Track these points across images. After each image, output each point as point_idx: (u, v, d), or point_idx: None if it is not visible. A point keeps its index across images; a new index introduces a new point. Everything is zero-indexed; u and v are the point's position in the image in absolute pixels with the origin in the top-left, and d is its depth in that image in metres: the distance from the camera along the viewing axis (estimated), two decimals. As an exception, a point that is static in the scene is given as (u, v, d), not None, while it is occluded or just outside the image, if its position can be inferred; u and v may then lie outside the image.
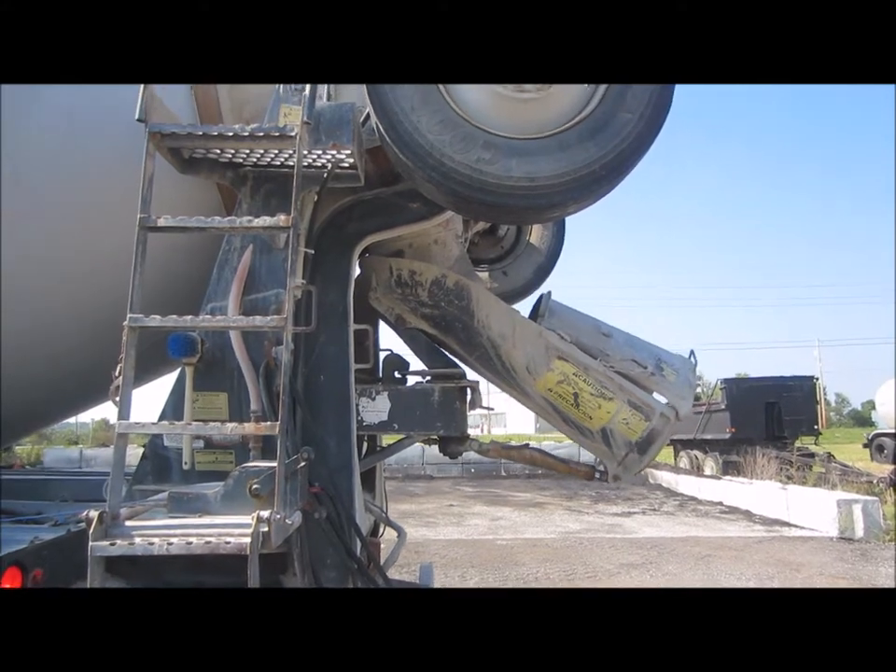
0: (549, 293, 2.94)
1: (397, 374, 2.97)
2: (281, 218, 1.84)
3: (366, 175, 2.30)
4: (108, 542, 1.62)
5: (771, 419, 18.14)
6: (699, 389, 19.62)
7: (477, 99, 1.93)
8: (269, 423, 1.80)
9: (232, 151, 2.07)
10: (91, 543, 1.60)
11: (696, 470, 18.55)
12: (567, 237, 3.85)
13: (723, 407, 18.51)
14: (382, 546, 3.13)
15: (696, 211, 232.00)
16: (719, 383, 19.67)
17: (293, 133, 1.87)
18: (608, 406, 2.56)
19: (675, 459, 21.75)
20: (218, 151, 2.07)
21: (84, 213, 2.44)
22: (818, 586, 6.73)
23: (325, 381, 2.33)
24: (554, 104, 1.92)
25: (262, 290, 2.25)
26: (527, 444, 2.98)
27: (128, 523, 1.77)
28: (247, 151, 2.06)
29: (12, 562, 1.87)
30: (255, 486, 1.80)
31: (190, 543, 1.62)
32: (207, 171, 2.17)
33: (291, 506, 1.89)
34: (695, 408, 21.53)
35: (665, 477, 17.67)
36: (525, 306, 3.51)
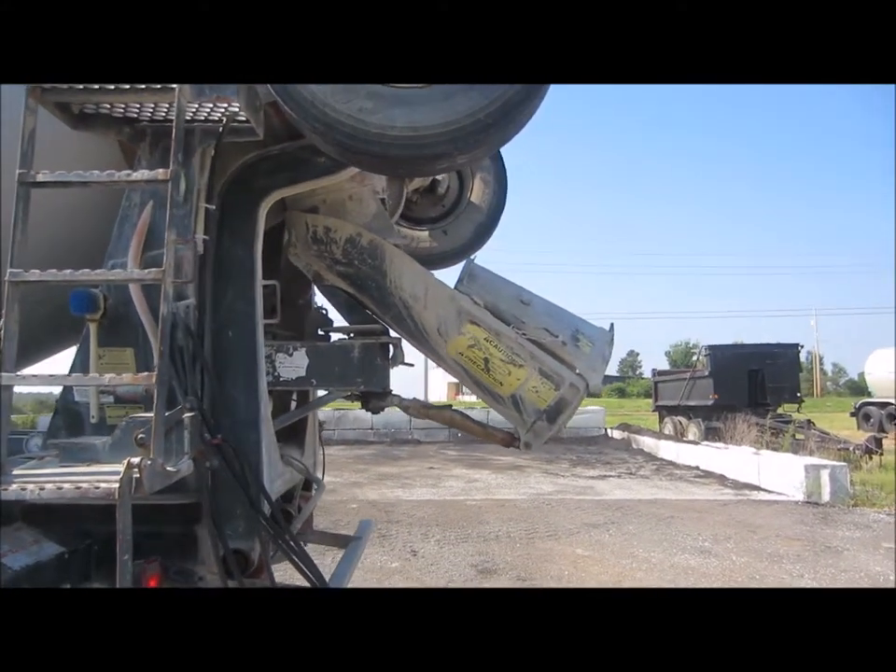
0: (472, 258, 2.95)
1: (319, 331, 3.02)
2: (159, 173, 1.85)
3: (272, 130, 2.29)
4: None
5: (754, 386, 18.32)
6: (696, 357, 19.74)
7: None
8: (146, 373, 1.83)
9: (123, 106, 2.06)
10: (-20, 487, 1.65)
11: (679, 437, 18.80)
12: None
13: (707, 374, 18.68)
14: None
15: (699, 175, 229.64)
16: (703, 349, 19.81)
17: (172, 86, 1.86)
18: (518, 373, 2.59)
19: (660, 425, 22.03)
20: (108, 106, 2.06)
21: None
22: (773, 548, 6.91)
23: (233, 336, 2.35)
24: None
25: (161, 246, 2.25)
26: (450, 406, 3.03)
27: (15, 471, 1.83)
28: (138, 106, 2.05)
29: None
30: (140, 436, 1.84)
31: (61, 489, 1.67)
32: (102, 127, 2.15)
33: (177, 455, 1.93)
34: (680, 374, 21.78)
35: (647, 442, 17.91)
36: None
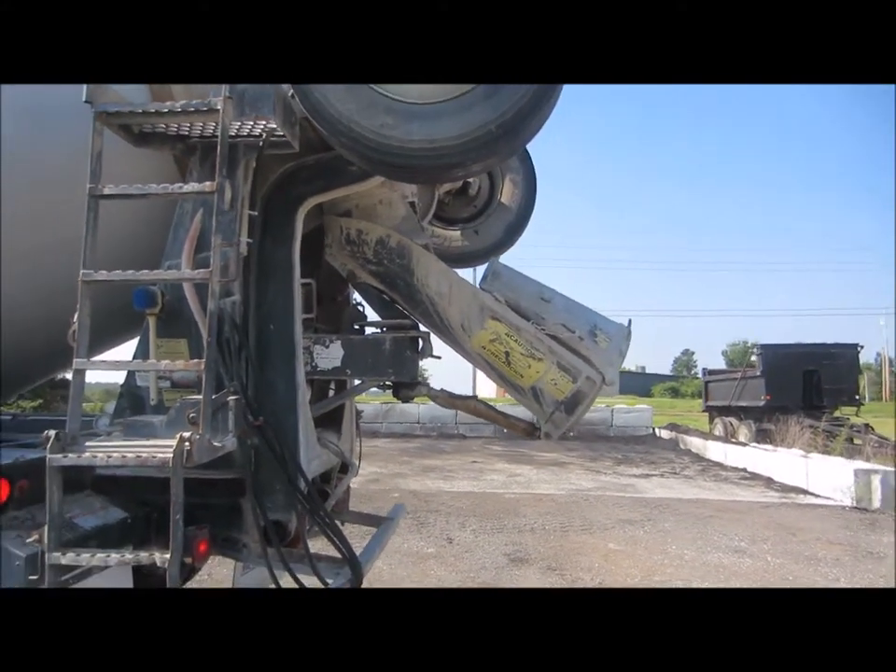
0: (496, 258, 3.14)
1: (355, 325, 3.26)
2: (206, 185, 2.11)
3: (308, 142, 2.53)
4: (61, 455, 1.96)
5: (809, 387, 17.76)
6: (753, 357, 19.24)
7: None
8: (196, 360, 2.10)
9: (176, 125, 2.33)
10: (48, 455, 1.95)
11: (728, 438, 18.42)
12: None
13: (759, 374, 18.22)
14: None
15: (753, 175, 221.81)
16: (755, 349, 19.31)
17: (218, 108, 2.11)
18: (537, 366, 2.76)
19: (710, 426, 21.60)
20: (164, 126, 2.34)
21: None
22: (811, 551, 6.82)
23: (274, 329, 2.61)
24: None
25: (210, 248, 2.52)
26: (474, 396, 3.22)
27: (87, 443, 2.13)
28: (188, 125, 2.31)
29: (0, 474, 2.24)
30: (192, 415, 2.11)
31: (125, 457, 1.94)
32: (159, 144, 2.43)
33: (222, 433, 2.20)
34: (731, 374, 21.27)
35: (695, 443, 17.62)
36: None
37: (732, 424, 19.67)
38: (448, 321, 2.84)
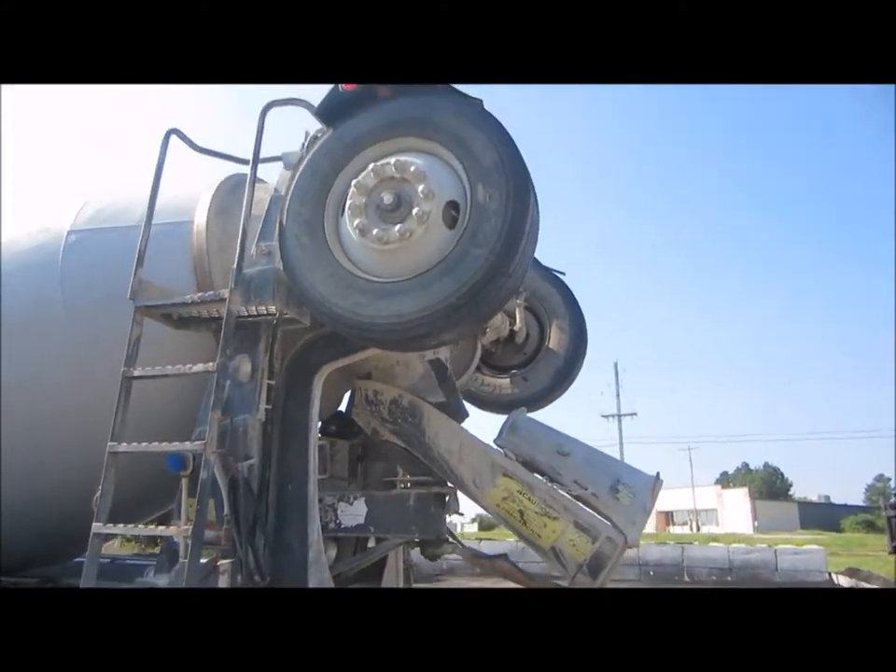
0: (520, 409, 3.12)
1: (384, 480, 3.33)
2: (210, 365, 2.39)
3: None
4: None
5: None
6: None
7: (357, 252, 2.35)
8: (179, 527, 2.28)
9: (206, 311, 2.70)
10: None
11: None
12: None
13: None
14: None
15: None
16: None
17: (224, 298, 2.44)
18: (553, 525, 2.63)
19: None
20: (196, 313, 2.71)
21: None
22: None
23: (291, 490, 2.76)
24: (419, 250, 2.26)
25: (235, 414, 2.78)
26: (504, 555, 3.08)
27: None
28: (216, 310, 2.67)
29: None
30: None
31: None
32: (196, 326, 2.81)
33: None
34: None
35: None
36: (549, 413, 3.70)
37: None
38: (461, 478, 2.83)
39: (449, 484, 3.00)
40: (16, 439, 3.03)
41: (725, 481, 62.50)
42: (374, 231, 2.26)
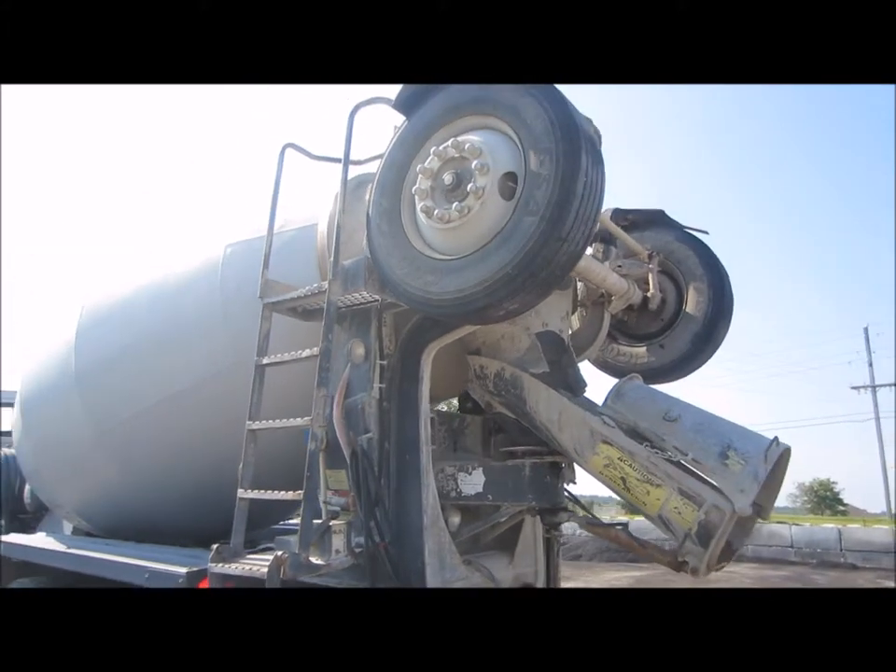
0: (630, 376, 2.99)
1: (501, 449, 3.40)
2: (314, 350, 2.70)
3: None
4: (218, 565, 2.64)
5: None
6: None
7: (427, 233, 2.48)
8: (299, 491, 2.61)
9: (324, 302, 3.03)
10: (209, 564, 2.64)
11: None
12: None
13: None
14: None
15: None
16: None
17: (324, 290, 2.74)
18: (656, 493, 2.53)
19: None
20: (317, 304, 3.06)
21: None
22: None
23: (409, 459, 2.99)
24: (478, 225, 2.31)
25: (354, 393, 3.08)
26: (620, 523, 2.98)
27: (248, 555, 2.79)
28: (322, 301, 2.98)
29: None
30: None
31: (251, 569, 2.52)
32: (320, 317, 3.16)
33: (325, 553, 2.61)
34: None
35: None
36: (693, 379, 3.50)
37: None
38: (564, 446, 2.81)
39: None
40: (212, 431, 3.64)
41: None
42: (436, 212, 2.38)
